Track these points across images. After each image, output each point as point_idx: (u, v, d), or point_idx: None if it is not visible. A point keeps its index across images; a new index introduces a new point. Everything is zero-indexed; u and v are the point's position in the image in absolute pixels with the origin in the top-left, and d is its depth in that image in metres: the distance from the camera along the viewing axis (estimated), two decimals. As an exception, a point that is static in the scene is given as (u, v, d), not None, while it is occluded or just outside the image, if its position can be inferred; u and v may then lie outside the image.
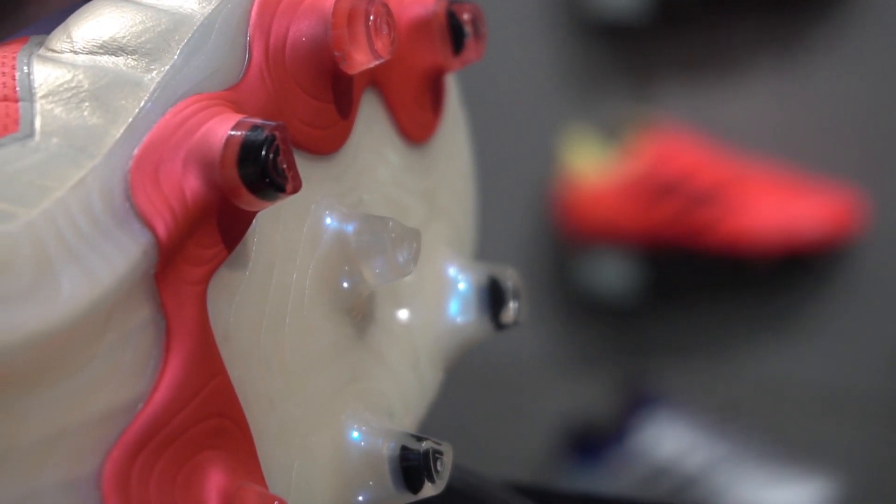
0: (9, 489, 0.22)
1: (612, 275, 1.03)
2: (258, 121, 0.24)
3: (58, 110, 0.24)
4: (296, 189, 0.24)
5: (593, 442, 0.99)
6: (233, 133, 0.24)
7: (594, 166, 1.02)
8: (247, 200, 0.24)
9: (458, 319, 0.30)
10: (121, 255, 0.23)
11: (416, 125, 0.30)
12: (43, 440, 0.22)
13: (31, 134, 0.24)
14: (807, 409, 1.01)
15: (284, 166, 0.24)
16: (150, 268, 0.24)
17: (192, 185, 0.24)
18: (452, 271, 0.30)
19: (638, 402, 1.00)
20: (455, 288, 0.30)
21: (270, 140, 0.24)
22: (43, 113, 0.24)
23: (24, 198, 0.23)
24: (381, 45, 0.26)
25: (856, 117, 1.01)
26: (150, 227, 0.23)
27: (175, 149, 0.24)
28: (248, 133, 0.24)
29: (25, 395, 0.22)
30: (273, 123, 0.24)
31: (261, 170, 0.24)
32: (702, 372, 1.05)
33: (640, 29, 1.01)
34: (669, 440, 0.98)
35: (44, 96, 0.25)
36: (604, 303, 1.03)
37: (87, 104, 0.24)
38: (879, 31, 0.98)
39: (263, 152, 0.24)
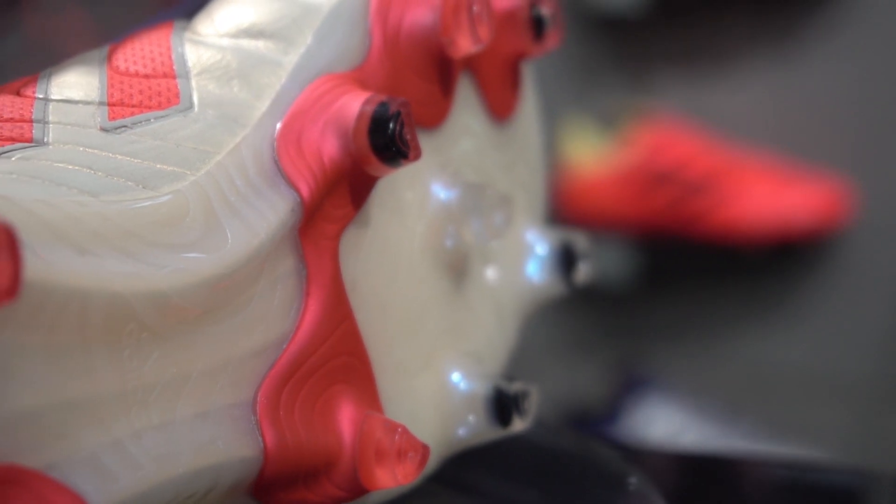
0: (187, 410, 0.26)
1: (608, 261, 1.06)
2: (385, 97, 0.28)
3: (211, 86, 0.28)
4: (416, 157, 0.28)
5: (587, 423, 1.02)
6: (365, 107, 0.28)
7: (591, 155, 1.05)
8: (374, 166, 0.28)
9: (536, 279, 0.34)
10: (273, 211, 0.27)
11: (501, 105, 0.34)
12: (213, 369, 0.27)
13: (190, 106, 0.28)
14: (796, 392, 1.04)
15: (408, 137, 0.28)
16: (296, 223, 0.28)
17: (329, 151, 0.28)
18: (530, 236, 0.34)
19: (631, 385, 1.03)
20: (533, 251, 0.34)
21: (397, 114, 0.28)
22: (199, 88, 0.28)
23: (189, 161, 0.27)
24: (483, 32, 0.30)
25: (847, 109, 1.03)
26: (295, 187, 0.28)
27: (313, 121, 0.28)
28: (378, 107, 0.28)
29: (199, 329, 0.26)
30: (399, 100, 0.28)
31: (389, 139, 0.28)
32: (694, 356, 1.08)
33: (637, 21, 1.03)
34: (661, 422, 1.01)
35: (197, 74, 0.29)
36: (599, 288, 1.06)
37: (235, 81, 0.29)
38: (871, 25, 1.01)
39: (391, 124, 0.28)
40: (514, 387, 0.31)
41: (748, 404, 1.03)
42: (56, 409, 0.24)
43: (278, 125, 0.28)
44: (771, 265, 1.05)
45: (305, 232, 0.28)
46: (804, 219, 1.02)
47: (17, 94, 0.28)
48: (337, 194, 0.28)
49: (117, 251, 0.25)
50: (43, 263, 0.23)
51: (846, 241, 1.04)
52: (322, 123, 0.28)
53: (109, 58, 0.29)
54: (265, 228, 0.27)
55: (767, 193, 1.03)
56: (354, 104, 0.28)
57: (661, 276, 1.08)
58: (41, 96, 0.28)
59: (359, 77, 0.29)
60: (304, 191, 0.28)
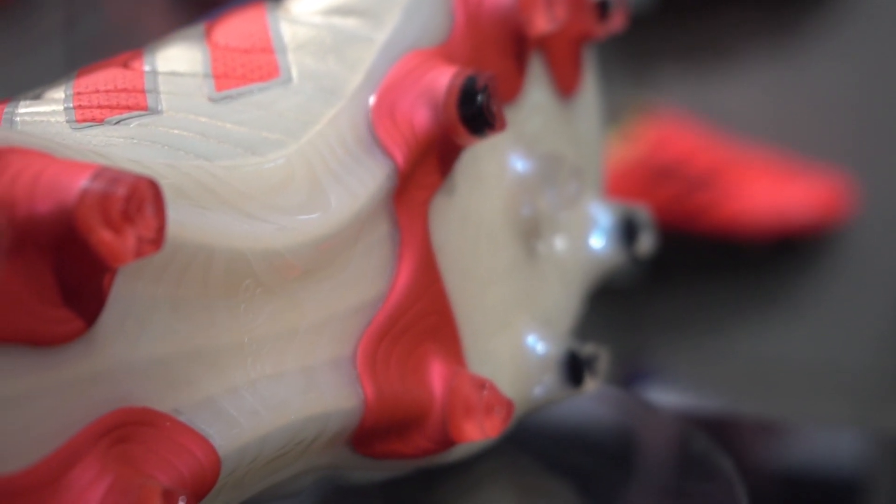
0: (296, 362, 0.28)
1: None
2: (473, 71, 0.30)
3: (307, 60, 0.30)
4: (502, 128, 0.30)
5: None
6: (454, 80, 0.30)
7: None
8: (462, 136, 0.30)
9: (600, 249, 0.36)
10: (370, 177, 0.29)
11: (567, 83, 0.36)
12: (317, 325, 0.28)
13: (290, 79, 0.30)
14: (797, 385, 1.06)
15: (494, 109, 0.30)
16: (391, 190, 0.30)
17: (421, 122, 0.30)
18: (593, 208, 0.36)
19: (634, 377, 1.05)
20: (596, 223, 0.36)
21: (485, 87, 0.30)
22: (296, 62, 0.30)
23: (291, 130, 0.29)
24: (559, 11, 0.32)
25: (848, 105, 1.05)
26: (390, 155, 0.29)
27: (405, 93, 0.30)
28: (467, 80, 0.30)
29: (305, 287, 0.28)
30: (487, 73, 0.30)
31: (477, 110, 0.30)
32: (696, 349, 1.10)
33: (641, 18, 1.05)
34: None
35: (294, 49, 0.30)
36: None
37: (330, 56, 0.30)
38: (872, 22, 1.04)
39: (479, 97, 0.30)
40: (587, 349, 0.33)
41: (749, 397, 1.05)
42: (182, 358, 0.26)
43: (372, 98, 0.30)
44: (772, 260, 1.07)
45: (399, 198, 0.30)
46: (805, 214, 1.04)
47: (125, 66, 0.30)
48: (427, 163, 0.30)
49: (235, 211, 0.27)
50: (172, 220, 0.25)
51: (847, 236, 1.06)
52: (414, 96, 0.30)
53: (207, 34, 0.31)
54: (364, 193, 0.29)
55: (769, 189, 1.05)
56: (444, 77, 0.30)
57: (664, 271, 1.09)
58: (149, 69, 0.30)
59: (444, 53, 0.31)
60: (399, 158, 0.29)
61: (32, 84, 0.30)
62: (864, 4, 1.04)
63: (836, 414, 1.03)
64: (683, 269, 1.10)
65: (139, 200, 0.22)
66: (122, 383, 0.25)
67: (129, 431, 0.24)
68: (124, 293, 0.25)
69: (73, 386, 0.24)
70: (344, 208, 0.29)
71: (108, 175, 0.22)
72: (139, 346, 0.25)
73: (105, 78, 0.29)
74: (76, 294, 0.23)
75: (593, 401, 0.37)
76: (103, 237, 0.22)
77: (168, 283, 0.25)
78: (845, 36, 1.05)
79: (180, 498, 0.23)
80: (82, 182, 0.22)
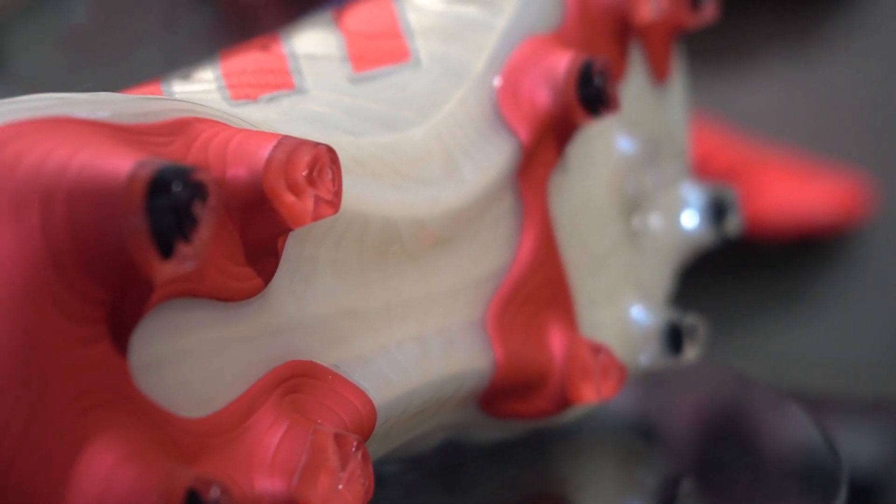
0: (435, 324, 0.30)
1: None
2: (589, 55, 0.32)
3: (434, 45, 0.33)
4: (616, 108, 0.33)
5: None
6: (573, 63, 0.32)
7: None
8: (580, 116, 0.32)
9: (692, 229, 0.38)
10: (498, 153, 0.32)
11: (661, 70, 0.38)
12: (452, 290, 0.31)
13: (419, 62, 0.32)
14: (816, 384, 1.09)
15: (609, 90, 0.32)
16: (516, 165, 0.32)
17: (542, 102, 0.32)
18: (685, 189, 0.39)
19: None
20: (689, 202, 0.38)
21: (601, 70, 0.32)
22: (425, 47, 0.33)
23: (425, 109, 0.31)
24: (663, 2, 0.35)
25: (865, 106, 1.08)
26: (515, 133, 0.32)
27: (527, 75, 0.32)
28: (585, 64, 0.32)
29: (441, 254, 0.31)
30: (602, 57, 0.32)
31: (594, 92, 0.32)
32: (715, 346, 1.12)
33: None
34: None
35: (421, 35, 0.33)
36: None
37: (454, 41, 0.33)
38: (890, 25, 1.06)
39: (596, 79, 0.32)
40: (687, 319, 0.36)
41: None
42: (340, 317, 0.28)
43: (496, 79, 0.32)
44: (791, 259, 1.09)
45: (522, 174, 0.32)
46: (824, 214, 1.06)
47: (265, 50, 0.32)
48: (547, 141, 0.33)
49: (384, 182, 0.29)
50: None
51: (865, 236, 1.08)
52: (535, 78, 0.32)
53: (338, 21, 0.33)
54: (493, 168, 0.31)
55: (788, 189, 1.07)
56: (563, 61, 0.32)
57: (682, 270, 1.12)
58: (288, 52, 0.32)
59: (558, 39, 0.33)
60: (523, 136, 0.32)
61: (139, 76, 0.33)
62: (882, 7, 1.06)
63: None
64: (702, 268, 1.12)
65: (320, 166, 0.25)
66: (292, 338, 0.27)
67: (297, 383, 0.27)
68: (293, 254, 0.27)
69: (252, 339, 0.26)
70: (476, 181, 0.31)
71: (291, 142, 0.25)
72: (305, 305, 0.27)
73: (249, 60, 0.31)
74: (256, 254, 0.25)
75: (692, 375, 0.40)
76: (287, 200, 0.24)
77: (329, 247, 0.28)
78: (863, 38, 1.07)
79: (353, 440, 0.26)
80: (268, 149, 0.24)
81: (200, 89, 0.30)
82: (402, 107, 0.31)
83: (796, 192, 1.07)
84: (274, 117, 0.29)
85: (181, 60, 0.35)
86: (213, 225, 0.22)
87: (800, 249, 1.08)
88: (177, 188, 0.21)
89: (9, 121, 0.22)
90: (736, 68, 1.10)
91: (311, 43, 0.32)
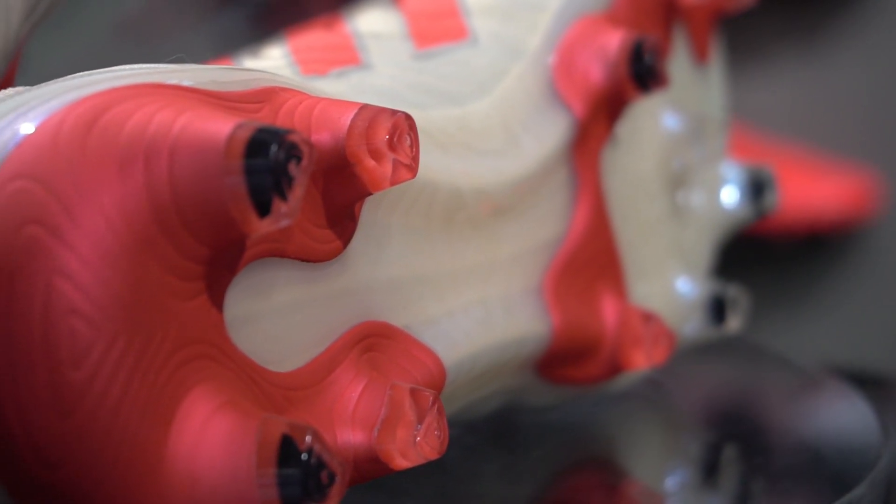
0: (497, 290, 0.32)
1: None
2: (640, 34, 0.34)
3: (491, 24, 0.34)
4: (665, 85, 0.34)
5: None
6: (625, 41, 0.34)
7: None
8: (631, 92, 0.34)
9: (731, 206, 0.40)
10: (554, 127, 0.33)
11: (702, 51, 0.40)
12: (512, 257, 0.32)
13: (477, 40, 0.34)
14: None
15: (659, 67, 0.34)
16: (571, 139, 0.33)
17: (595, 78, 0.34)
18: (724, 167, 0.40)
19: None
20: (728, 179, 0.40)
21: (651, 48, 0.34)
22: (483, 26, 0.34)
23: (484, 84, 0.33)
24: None
25: (874, 103, 1.09)
26: (570, 108, 0.33)
27: (581, 52, 0.34)
28: (636, 42, 0.34)
29: (503, 223, 0.32)
30: (652, 36, 0.34)
31: (646, 68, 0.34)
32: (725, 343, 1.13)
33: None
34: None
35: (478, 14, 0.34)
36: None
37: (510, 20, 0.34)
38: (899, 24, 1.08)
39: (647, 56, 0.34)
40: (730, 291, 0.37)
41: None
42: (410, 280, 0.29)
43: (551, 57, 0.34)
44: (801, 256, 1.10)
45: (577, 147, 0.34)
46: (834, 211, 1.07)
47: (329, 28, 0.34)
48: (599, 117, 0.34)
49: (450, 153, 0.30)
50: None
51: (875, 233, 1.09)
52: (589, 55, 0.34)
53: (397, 1, 0.35)
54: (550, 140, 0.33)
55: (797, 186, 1.08)
56: (615, 39, 0.34)
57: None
58: (352, 30, 0.33)
59: (609, 18, 0.35)
60: (578, 111, 0.33)
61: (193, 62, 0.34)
62: (891, 4, 1.08)
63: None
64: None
65: (400, 132, 0.26)
66: (367, 300, 0.28)
67: (373, 342, 0.28)
68: (368, 220, 0.28)
69: (332, 299, 0.27)
70: (534, 154, 0.32)
71: (373, 110, 0.26)
72: (379, 268, 0.29)
73: (315, 38, 0.33)
74: (337, 217, 0.27)
75: (732, 352, 0.41)
76: (368, 165, 0.26)
77: (400, 213, 0.29)
78: (872, 36, 1.08)
79: (429, 395, 0.27)
80: (350, 115, 0.26)
81: (271, 65, 0.31)
82: (463, 82, 0.33)
83: (805, 189, 1.08)
84: (344, 90, 0.30)
85: (231, 47, 0.37)
86: (306, 185, 0.23)
87: (809, 247, 1.09)
88: (274, 149, 0.23)
89: (113, 86, 0.24)
90: (745, 66, 1.12)
91: (374, 22, 0.34)
